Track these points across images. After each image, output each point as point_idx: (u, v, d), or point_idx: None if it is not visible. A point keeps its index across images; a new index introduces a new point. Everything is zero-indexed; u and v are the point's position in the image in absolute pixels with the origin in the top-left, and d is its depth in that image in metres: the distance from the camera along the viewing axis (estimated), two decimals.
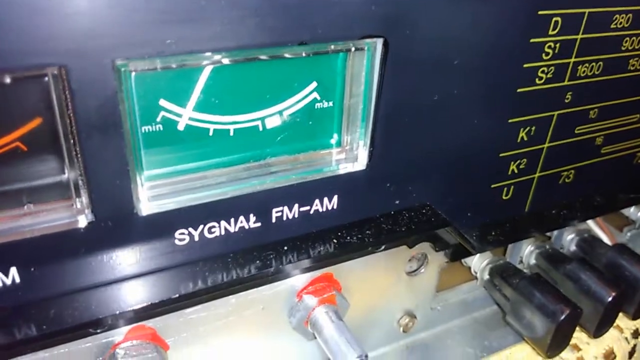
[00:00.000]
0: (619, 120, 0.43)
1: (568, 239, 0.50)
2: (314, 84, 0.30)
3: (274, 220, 0.31)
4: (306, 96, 0.30)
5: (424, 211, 0.36)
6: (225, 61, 0.26)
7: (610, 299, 0.42)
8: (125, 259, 0.28)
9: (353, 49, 0.28)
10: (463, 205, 0.39)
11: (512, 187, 0.40)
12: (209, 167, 0.29)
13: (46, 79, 0.22)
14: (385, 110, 0.31)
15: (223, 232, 0.30)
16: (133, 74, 0.24)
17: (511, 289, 0.43)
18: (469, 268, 0.47)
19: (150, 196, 0.27)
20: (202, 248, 0.30)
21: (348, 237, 0.33)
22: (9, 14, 0.20)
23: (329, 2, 0.26)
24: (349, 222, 0.34)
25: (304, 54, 0.27)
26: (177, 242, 0.29)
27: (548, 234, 0.49)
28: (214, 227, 0.29)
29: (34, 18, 0.21)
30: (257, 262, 0.31)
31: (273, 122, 0.30)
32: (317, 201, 0.32)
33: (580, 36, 0.36)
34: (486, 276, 0.46)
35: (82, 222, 0.26)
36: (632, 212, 0.56)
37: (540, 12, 0.33)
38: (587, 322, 0.44)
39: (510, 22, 0.32)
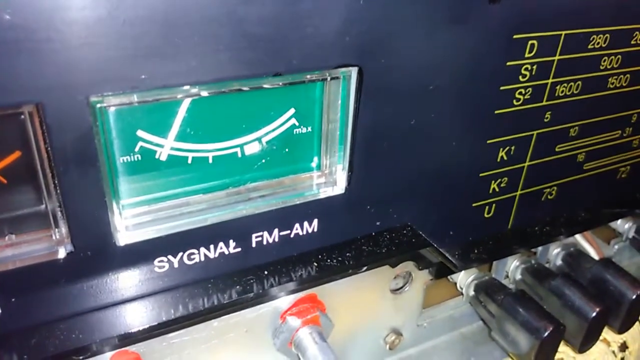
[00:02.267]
0: (600, 137, 0.43)
1: (554, 254, 0.50)
2: (292, 111, 0.31)
3: (254, 245, 0.31)
4: (284, 122, 0.31)
5: (404, 232, 0.37)
6: (203, 94, 0.26)
7: (594, 314, 0.43)
8: (106, 287, 0.28)
9: (329, 78, 0.29)
10: (445, 225, 0.39)
11: (494, 205, 0.40)
12: (188, 194, 0.30)
13: (22, 116, 0.23)
14: (362, 134, 0.32)
15: (203, 258, 0.30)
16: (111, 109, 0.24)
17: (496, 306, 0.44)
18: (455, 284, 0.47)
19: (129, 225, 0.28)
20: (182, 274, 0.30)
21: (329, 260, 0.34)
22: None
23: (303, 34, 0.26)
24: (329, 245, 0.34)
25: (280, 84, 0.28)
26: (156, 269, 0.29)
27: (533, 249, 0.49)
28: (193, 253, 0.30)
29: (8, 57, 0.21)
30: (238, 287, 0.31)
31: (252, 149, 0.31)
32: (297, 225, 0.32)
33: (557, 57, 0.36)
34: (472, 292, 0.46)
35: (62, 252, 0.26)
36: (619, 224, 0.56)
37: (515, 36, 0.33)
38: (572, 338, 0.44)
39: (486, 47, 0.33)
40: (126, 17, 0.22)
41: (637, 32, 0.39)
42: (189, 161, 0.29)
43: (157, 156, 0.28)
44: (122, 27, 0.22)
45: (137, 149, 0.27)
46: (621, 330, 0.48)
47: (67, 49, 0.22)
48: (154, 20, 0.23)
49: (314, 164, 0.33)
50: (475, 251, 0.40)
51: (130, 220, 0.28)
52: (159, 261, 0.29)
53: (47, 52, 0.22)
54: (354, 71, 0.29)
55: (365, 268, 0.35)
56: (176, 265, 0.29)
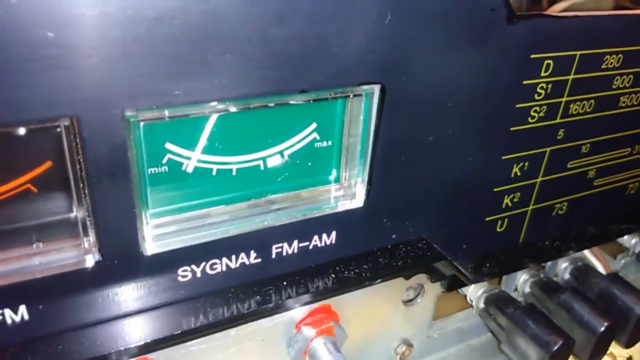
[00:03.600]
0: (611, 154, 0.44)
1: (562, 268, 0.51)
2: (314, 125, 0.31)
3: (273, 255, 0.32)
4: (306, 136, 0.31)
5: (420, 245, 0.37)
6: (231, 109, 0.27)
7: (602, 329, 0.43)
8: (130, 295, 0.29)
9: (352, 95, 0.30)
10: (458, 238, 0.40)
11: (507, 219, 0.41)
12: (212, 205, 0.30)
13: (58, 129, 0.23)
14: (382, 149, 0.32)
15: (224, 268, 0.31)
16: (142, 123, 0.25)
17: (506, 319, 0.44)
18: (465, 296, 0.48)
19: (155, 235, 0.28)
20: (204, 284, 0.30)
21: (346, 272, 0.34)
22: (23, 69, 0.21)
23: (328, 53, 0.27)
24: (346, 257, 0.35)
25: (305, 101, 0.29)
26: (179, 278, 0.30)
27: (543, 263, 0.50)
28: (215, 263, 0.30)
29: (49, 73, 0.22)
30: (257, 297, 0.32)
31: (274, 162, 0.31)
32: (316, 237, 0.33)
33: (571, 77, 0.37)
34: (482, 305, 0.46)
35: (90, 261, 0.27)
36: (625, 239, 0.57)
37: (532, 56, 0.34)
38: (580, 352, 0.44)
39: (503, 66, 0.33)
40: (163, 35, 0.23)
41: None
42: (214, 173, 0.30)
43: (183, 168, 0.28)
44: (159, 45, 0.23)
45: (164, 161, 0.28)
46: (628, 344, 0.48)
47: (105, 65, 0.23)
48: (189, 39, 0.23)
49: (333, 177, 0.34)
50: (487, 265, 0.41)
51: (157, 230, 0.28)
52: (183, 270, 0.29)
53: (85, 68, 0.22)
54: (376, 88, 0.30)
55: (380, 280, 0.36)
56: (199, 274, 0.30)
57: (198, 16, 0.23)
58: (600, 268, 0.51)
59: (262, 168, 0.31)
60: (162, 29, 0.23)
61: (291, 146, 0.31)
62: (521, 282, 0.49)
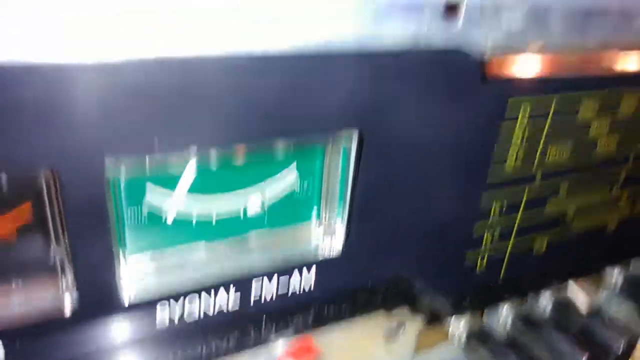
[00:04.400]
0: (589, 193, 0.45)
1: (544, 301, 0.52)
2: (294, 168, 0.32)
3: (253, 293, 0.33)
4: (287, 178, 0.32)
5: (399, 281, 0.38)
6: (212, 155, 0.27)
7: None
8: (108, 334, 0.29)
9: (331, 141, 0.30)
10: (439, 274, 0.40)
11: (486, 256, 0.42)
12: (191, 246, 0.31)
13: (39, 179, 0.24)
14: (361, 191, 0.33)
15: (203, 306, 0.31)
16: (123, 170, 0.25)
17: (487, 352, 0.45)
18: (447, 330, 0.48)
19: (133, 277, 0.29)
20: (182, 321, 0.31)
21: (325, 309, 0.35)
22: (4, 123, 0.22)
23: (309, 102, 0.28)
24: (326, 294, 0.35)
25: (285, 147, 0.29)
26: (158, 316, 0.30)
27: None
28: (194, 302, 0.31)
29: (30, 125, 0.23)
30: (236, 332, 0.32)
31: (254, 203, 0.32)
32: (296, 274, 0.33)
33: (548, 123, 0.38)
34: (464, 338, 0.47)
35: (67, 301, 0.28)
36: (607, 273, 0.57)
37: (510, 100, 0.35)
38: None
39: (481, 110, 0.34)
40: (146, 88, 0.24)
41: (624, 99, 0.41)
42: (193, 215, 0.30)
43: (163, 211, 0.29)
44: (141, 98, 0.24)
45: (144, 204, 0.28)
46: None
47: (86, 117, 0.23)
48: (172, 91, 0.24)
49: (314, 218, 0.34)
50: (468, 299, 0.42)
51: (135, 273, 0.29)
52: (161, 308, 0.30)
53: (67, 120, 0.23)
54: (355, 136, 0.31)
55: (360, 316, 0.36)
56: (177, 312, 0.30)
57: (180, 74, 0.24)
58: (582, 302, 0.52)
59: (242, 209, 0.32)
60: (146, 83, 0.24)
61: (272, 187, 0.32)
62: (503, 315, 0.49)
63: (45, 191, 0.25)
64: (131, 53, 0.23)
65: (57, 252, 0.27)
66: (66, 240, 0.26)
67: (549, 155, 0.39)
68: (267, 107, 0.27)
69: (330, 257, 0.34)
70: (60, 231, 0.26)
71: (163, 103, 0.24)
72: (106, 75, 0.23)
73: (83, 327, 0.28)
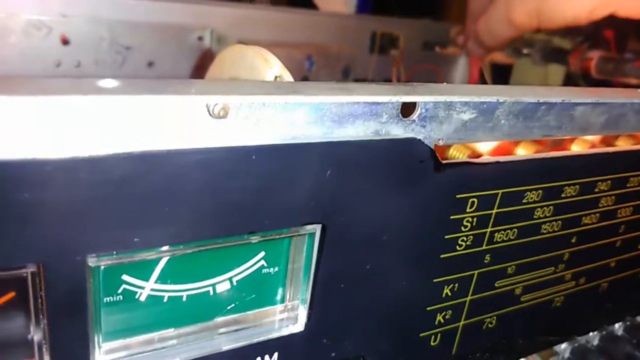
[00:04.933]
0: (536, 273, 0.49)
1: None
2: (262, 254, 0.35)
3: None
4: (254, 264, 0.35)
5: None
6: (185, 251, 0.30)
7: None
8: None
9: (296, 234, 0.33)
10: (395, 353, 0.43)
11: (439, 334, 0.44)
12: (162, 330, 0.33)
13: (24, 274, 0.26)
14: (323, 277, 0.36)
15: None
16: (102, 267, 0.28)
17: None
18: None
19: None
20: None
21: None
22: None
23: (276, 200, 0.31)
24: None
25: (253, 240, 0.32)
26: None
27: None
28: None
29: (16, 224, 0.25)
30: None
31: (223, 287, 0.34)
32: (258, 359, 0.35)
33: (495, 211, 0.41)
34: None
35: None
36: (555, 348, 0.60)
37: (458, 196, 0.39)
38: None
39: (432, 205, 0.38)
40: (126, 194, 0.26)
41: (566, 187, 0.46)
42: (165, 300, 0.32)
43: (137, 297, 0.31)
44: (121, 202, 0.26)
45: (120, 291, 0.30)
46: None
47: (72, 219, 0.26)
48: (149, 195, 0.27)
49: (278, 299, 0.37)
50: None
51: (108, 356, 0.31)
52: None
53: (54, 222, 0.25)
54: (318, 228, 0.34)
55: None
56: None
57: (158, 178, 0.27)
58: None
59: (211, 294, 0.34)
60: (124, 189, 0.26)
61: (240, 273, 0.34)
62: None
63: (30, 287, 0.27)
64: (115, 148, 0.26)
65: (36, 335, 0.29)
66: (45, 327, 0.28)
67: (496, 239, 0.43)
68: (235, 207, 0.30)
69: (292, 339, 0.36)
70: (40, 319, 0.28)
71: (143, 207, 0.27)
72: (91, 184, 0.25)
73: None
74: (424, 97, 0.33)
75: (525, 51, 0.89)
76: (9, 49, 0.61)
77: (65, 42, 0.64)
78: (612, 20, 0.66)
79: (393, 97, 0.32)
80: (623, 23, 0.68)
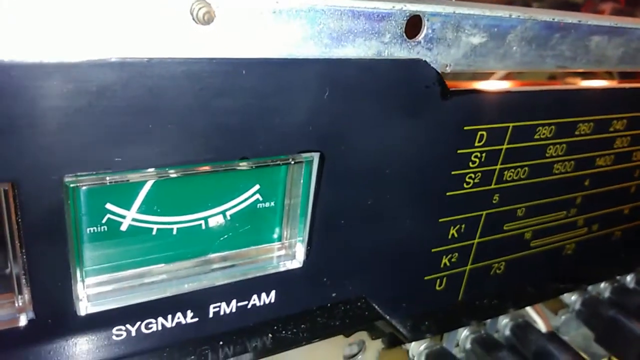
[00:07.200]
0: (546, 217, 0.46)
1: (502, 324, 0.53)
2: (257, 187, 0.32)
3: (211, 315, 0.33)
4: (249, 198, 0.33)
5: (359, 304, 0.38)
6: (171, 175, 0.28)
7: None
8: (64, 354, 0.29)
9: (292, 162, 0.31)
10: (398, 297, 0.41)
11: (445, 279, 0.43)
12: (150, 264, 0.31)
13: None
14: (322, 211, 0.34)
15: (160, 328, 0.31)
16: (82, 187, 0.26)
17: None
18: (407, 351, 0.49)
19: (90, 295, 0.29)
20: (139, 343, 0.31)
21: (284, 332, 0.35)
22: None
23: (270, 124, 0.29)
24: (285, 316, 0.36)
25: (246, 167, 0.30)
26: (114, 337, 0.30)
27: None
28: (151, 323, 0.31)
29: None
30: (193, 356, 0.32)
31: (216, 222, 0.32)
32: (255, 296, 0.34)
33: (505, 146, 0.39)
34: None
35: (23, 319, 0.27)
36: (566, 296, 0.59)
37: (466, 128, 0.36)
38: None
39: (439, 137, 0.35)
40: (105, 106, 0.24)
41: (580, 124, 0.43)
42: (153, 232, 0.30)
43: (122, 227, 0.29)
44: (100, 116, 0.24)
45: (104, 221, 0.28)
46: None
47: (46, 133, 0.24)
48: (131, 109, 0.25)
49: (275, 237, 0.35)
50: (426, 323, 0.42)
51: (92, 290, 0.29)
52: (117, 330, 0.30)
53: (27, 136, 0.23)
54: (316, 156, 0.31)
55: (319, 340, 0.37)
56: (134, 334, 0.30)
57: (140, 89, 0.24)
58: (541, 324, 0.53)
59: (203, 228, 0.32)
60: (103, 102, 0.24)
61: (234, 207, 0.32)
62: (462, 338, 0.50)
63: (4, 210, 0.25)
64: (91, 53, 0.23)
65: (14, 269, 0.27)
66: (24, 259, 0.26)
67: (506, 177, 0.41)
68: (227, 128, 0.28)
69: (290, 277, 0.34)
70: (18, 250, 0.26)
71: (124, 123, 0.25)
72: (67, 95, 0.23)
73: (38, 346, 0.28)
74: (429, 7, 0.30)
75: (535, 5, 0.86)
76: None
77: None
78: None
79: (397, 4, 0.29)
80: None
